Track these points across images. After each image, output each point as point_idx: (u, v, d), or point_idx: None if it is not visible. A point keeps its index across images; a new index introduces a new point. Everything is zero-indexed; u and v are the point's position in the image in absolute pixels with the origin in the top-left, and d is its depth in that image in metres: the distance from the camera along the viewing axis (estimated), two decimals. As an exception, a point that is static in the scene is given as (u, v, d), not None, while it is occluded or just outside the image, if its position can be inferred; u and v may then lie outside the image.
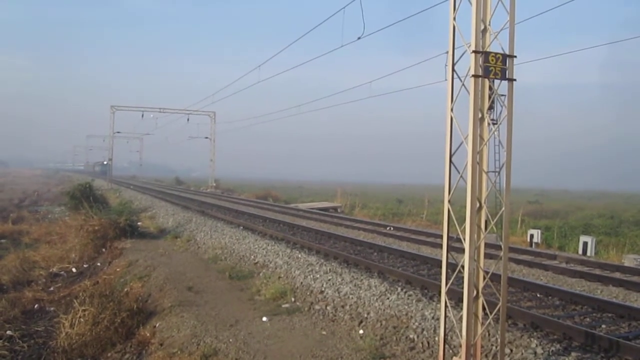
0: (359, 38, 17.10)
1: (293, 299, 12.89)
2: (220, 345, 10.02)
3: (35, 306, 15.92)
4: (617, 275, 15.09)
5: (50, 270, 20.59)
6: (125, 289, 15.26)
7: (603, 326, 9.96)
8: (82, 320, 12.34)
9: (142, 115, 62.88)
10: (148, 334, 11.75)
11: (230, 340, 10.21)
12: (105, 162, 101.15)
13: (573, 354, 8.11)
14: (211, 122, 65.35)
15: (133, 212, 28.73)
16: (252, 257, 17.99)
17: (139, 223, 27.52)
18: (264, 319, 11.39)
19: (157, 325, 12.04)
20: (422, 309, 10.60)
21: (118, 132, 67.70)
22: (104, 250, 22.58)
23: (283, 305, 12.45)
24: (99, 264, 20.88)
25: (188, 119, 62.81)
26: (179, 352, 10.12)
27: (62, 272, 20.47)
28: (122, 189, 62.84)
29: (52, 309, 15.59)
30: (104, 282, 17.21)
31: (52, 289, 18.16)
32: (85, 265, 21.09)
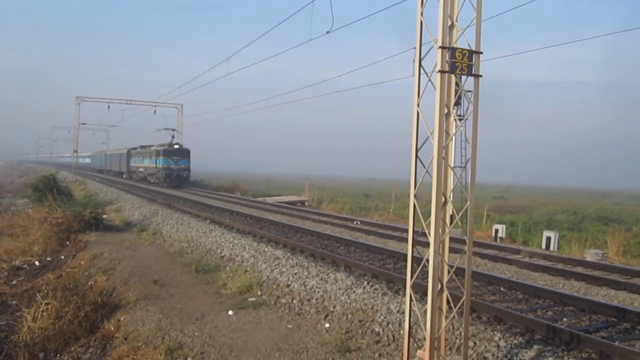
0: (327, 32, 17.13)
1: (259, 293, 12.88)
2: (186, 339, 9.98)
3: (-3, 300, 15.65)
4: (579, 269, 15.35)
5: (13, 263, 20.20)
6: (90, 283, 15.06)
7: (564, 319, 10.13)
8: (45, 314, 12.18)
9: (109, 107, 61.90)
10: (112, 328, 11.64)
11: (196, 334, 10.17)
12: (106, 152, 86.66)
13: (535, 346, 8.23)
14: (178, 114, 64.63)
15: (98, 205, 28.32)
16: (219, 250, 17.92)
17: (104, 216, 27.20)
18: (230, 312, 11.38)
19: (121, 319, 11.94)
20: (387, 303, 10.68)
21: (83, 124, 66.66)
22: (68, 243, 22.27)
23: (249, 299, 12.44)
24: (62, 257, 20.60)
25: (155, 111, 62.09)
26: (143, 346, 10.05)
27: (25, 265, 20.11)
28: (87, 181, 61.88)
29: (14, 302, 15.33)
30: (67, 275, 16.96)
31: (14, 282, 17.87)
32: (48, 259, 20.76)
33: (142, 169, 61.92)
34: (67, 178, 58.79)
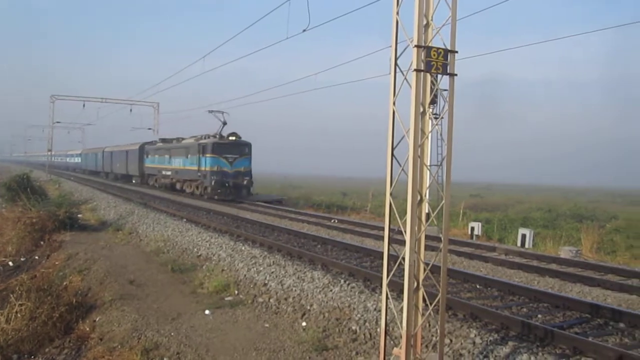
0: (304, 30, 17.11)
1: (236, 292, 12.84)
2: (162, 339, 9.91)
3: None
4: (554, 266, 15.54)
5: (-14, 264, 19.94)
6: (64, 283, 14.88)
7: (539, 316, 10.25)
8: (18, 315, 12.02)
9: (84, 105, 61.18)
10: (87, 329, 11.52)
11: (172, 334, 10.11)
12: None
13: (510, 343, 8.31)
14: (155, 112, 64.14)
15: (73, 204, 28.00)
16: (195, 249, 17.84)
17: (79, 215, 26.90)
18: (207, 312, 11.33)
19: (97, 319, 11.82)
20: (364, 301, 10.71)
21: (58, 122, 65.89)
22: (42, 243, 21.97)
23: (226, 298, 12.40)
24: (37, 257, 20.34)
25: (131, 110, 61.49)
26: (119, 347, 9.96)
27: (-2, 266, 19.86)
28: (62, 180, 61.18)
29: (-13, 304, 15.11)
30: (41, 275, 16.75)
31: (-13, 283, 17.60)
32: (22, 259, 20.47)
33: (167, 172, 45.70)
34: (42, 177, 58.03)
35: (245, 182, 37.03)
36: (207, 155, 37.10)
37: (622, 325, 9.67)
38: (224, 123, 39.19)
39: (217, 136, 38.45)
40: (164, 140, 49.23)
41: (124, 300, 12.44)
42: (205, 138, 39.09)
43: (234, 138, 37.94)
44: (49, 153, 69.95)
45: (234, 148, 37.53)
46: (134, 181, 55.85)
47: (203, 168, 37.65)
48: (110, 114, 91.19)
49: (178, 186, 43.44)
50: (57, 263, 18.14)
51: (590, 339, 8.60)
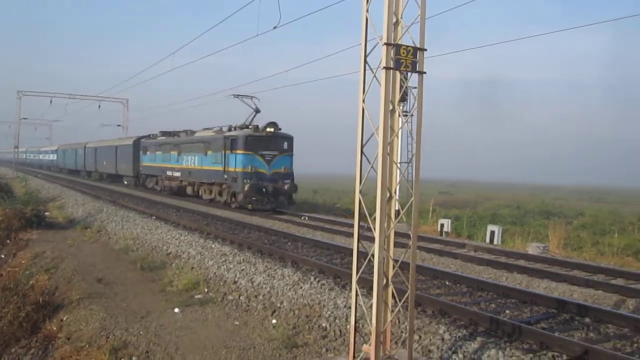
0: (274, 27, 17.06)
1: (206, 290, 12.77)
2: (131, 337, 9.82)
3: None
4: (522, 262, 15.72)
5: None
6: (31, 282, 14.68)
7: (507, 311, 10.37)
8: (-17, 315, 11.83)
9: (51, 101, 60.50)
10: (55, 328, 11.37)
11: (141, 332, 10.02)
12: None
13: (478, 339, 8.39)
14: (124, 109, 63.59)
15: (40, 202, 27.64)
16: (165, 247, 17.70)
17: (46, 213, 26.55)
18: (176, 310, 11.24)
19: (64, 318, 11.68)
20: (334, 298, 10.73)
21: (24, 119, 64.98)
22: (8, 241, 21.62)
23: (196, 296, 12.32)
24: (2, 256, 20.02)
25: (99, 106, 60.86)
26: (87, 346, 9.85)
27: (-37, 265, 19.50)
28: (29, 177, 60.25)
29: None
30: (7, 275, 16.54)
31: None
32: (-13, 258, 20.17)
33: (175, 173, 37.05)
34: (8, 174, 57.09)
35: (286, 187, 28.69)
36: (238, 151, 28.54)
37: (587, 320, 9.82)
38: (257, 110, 30.89)
39: (251, 127, 29.77)
40: (166, 134, 40.59)
41: (92, 299, 12.30)
42: (233, 130, 30.46)
43: (272, 130, 28.97)
44: (16, 150, 68.96)
45: (272, 143, 29.04)
46: (125, 182, 48.93)
47: (232, 168, 28.98)
48: (79, 110, 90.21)
49: (189, 190, 35.34)
50: (23, 262, 17.87)
51: (556, 334, 8.72)
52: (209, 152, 31.86)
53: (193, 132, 36.66)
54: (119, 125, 64.50)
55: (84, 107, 64.81)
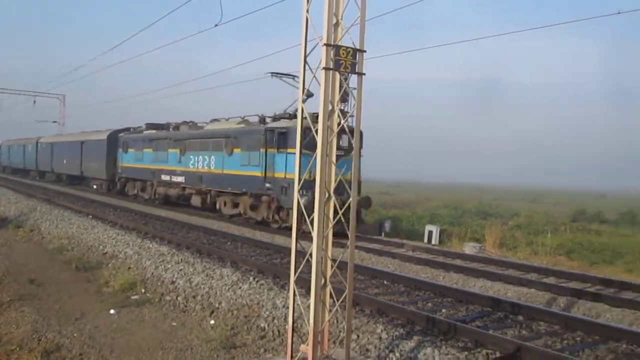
0: (216, 25, 16.88)
1: (143, 290, 12.57)
2: (64, 340, 9.56)
3: None
4: (458, 262, 16.03)
5: None
6: (-42, 284, 14.16)
7: (443, 310, 10.56)
8: None
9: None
10: (-17, 332, 10.98)
11: (75, 334, 9.77)
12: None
13: (415, 337, 8.50)
14: (60, 105, 61.82)
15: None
16: (101, 247, 17.35)
17: (-24, 212, 25.62)
18: (112, 311, 11.03)
19: (-7, 321, 11.29)
20: (273, 298, 10.71)
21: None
22: None
23: (132, 297, 12.12)
24: None
25: (35, 102, 58.94)
26: (17, 349, 9.52)
27: None
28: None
29: None
30: None
31: None
32: None
33: (176, 178, 28.45)
34: None
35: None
36: (289, 150, 19.87)
37: (520, 317, 10.09)
38: (309, 94, 14.52)
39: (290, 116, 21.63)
40: (156, 127, 32.71)
41: (24, 300, 11.93)
42: (273, 121, 22.37)
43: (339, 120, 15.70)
44: None
45: (339, 138, 17.11)
46: (94, 187, 40.19)
47: (280, 174, 20.50)
48: (13, 106, 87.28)
49: (196, 201, 26.78)
50: (-50, 262, 17.21)
51: (490, 331, 8.94)
52: (236, 151, 23.44)
53: (197, 125, 29.17)
54: (54, 122, 62.57)
55: (19, 103, 62.51)
